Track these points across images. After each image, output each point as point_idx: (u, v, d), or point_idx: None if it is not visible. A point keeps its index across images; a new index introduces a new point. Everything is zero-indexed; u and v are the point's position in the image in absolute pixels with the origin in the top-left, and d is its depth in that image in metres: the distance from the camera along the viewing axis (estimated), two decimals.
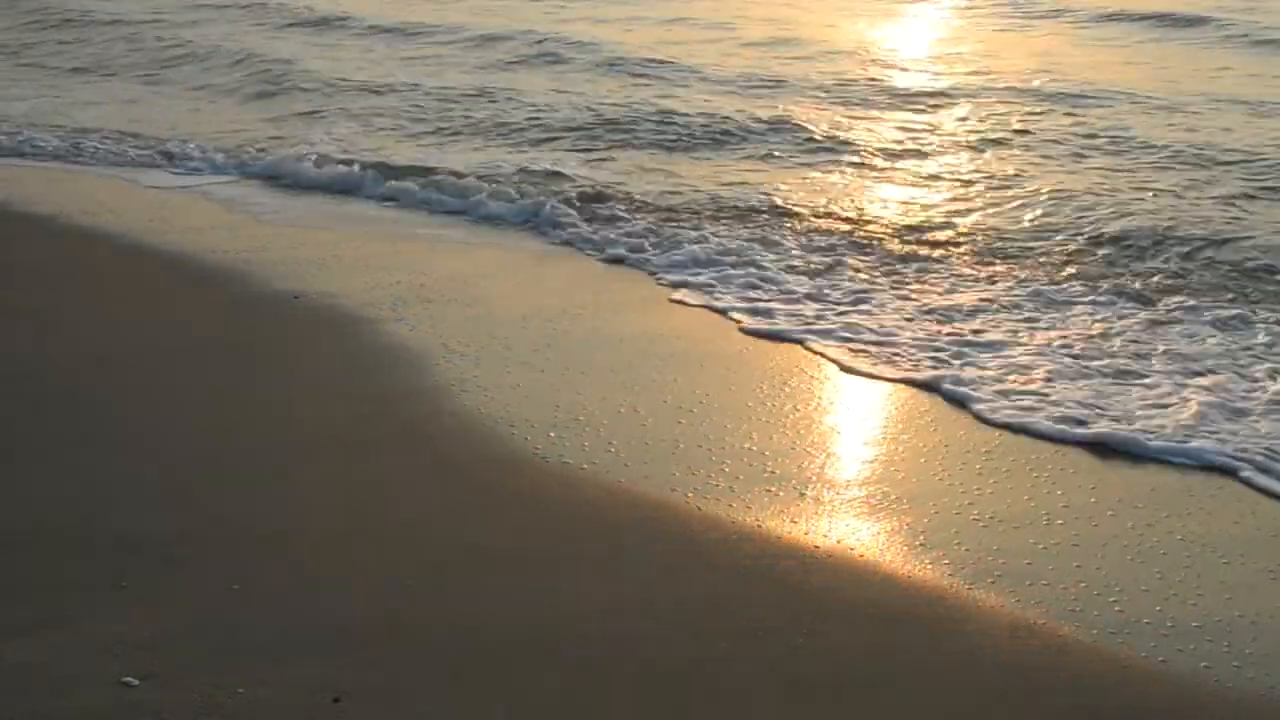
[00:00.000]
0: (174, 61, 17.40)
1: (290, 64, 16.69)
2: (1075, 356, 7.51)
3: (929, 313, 8.26)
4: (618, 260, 9.42)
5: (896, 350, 7.60)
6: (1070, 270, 9.13)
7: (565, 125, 13.56)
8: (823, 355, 7.58)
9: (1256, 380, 7.16)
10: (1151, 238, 9.66)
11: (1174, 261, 9.24)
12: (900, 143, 12.86)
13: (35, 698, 4.30)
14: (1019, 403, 6.86)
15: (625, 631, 4.83)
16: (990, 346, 7.67)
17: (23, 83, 16.37)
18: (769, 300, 8.50)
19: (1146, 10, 19.97)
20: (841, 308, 8.35)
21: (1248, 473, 6.09)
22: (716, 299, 8.55)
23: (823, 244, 9.68)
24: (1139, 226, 9.91)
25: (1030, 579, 5.22)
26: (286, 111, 14.48)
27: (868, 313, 8.26)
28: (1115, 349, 7.64)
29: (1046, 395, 6.95)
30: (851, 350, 7.62)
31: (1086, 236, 9.80)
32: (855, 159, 12.25)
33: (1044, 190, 10.96)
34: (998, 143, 12.78)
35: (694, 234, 9.82)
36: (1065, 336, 7.83)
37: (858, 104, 14.48)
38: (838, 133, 13.11)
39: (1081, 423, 6.60)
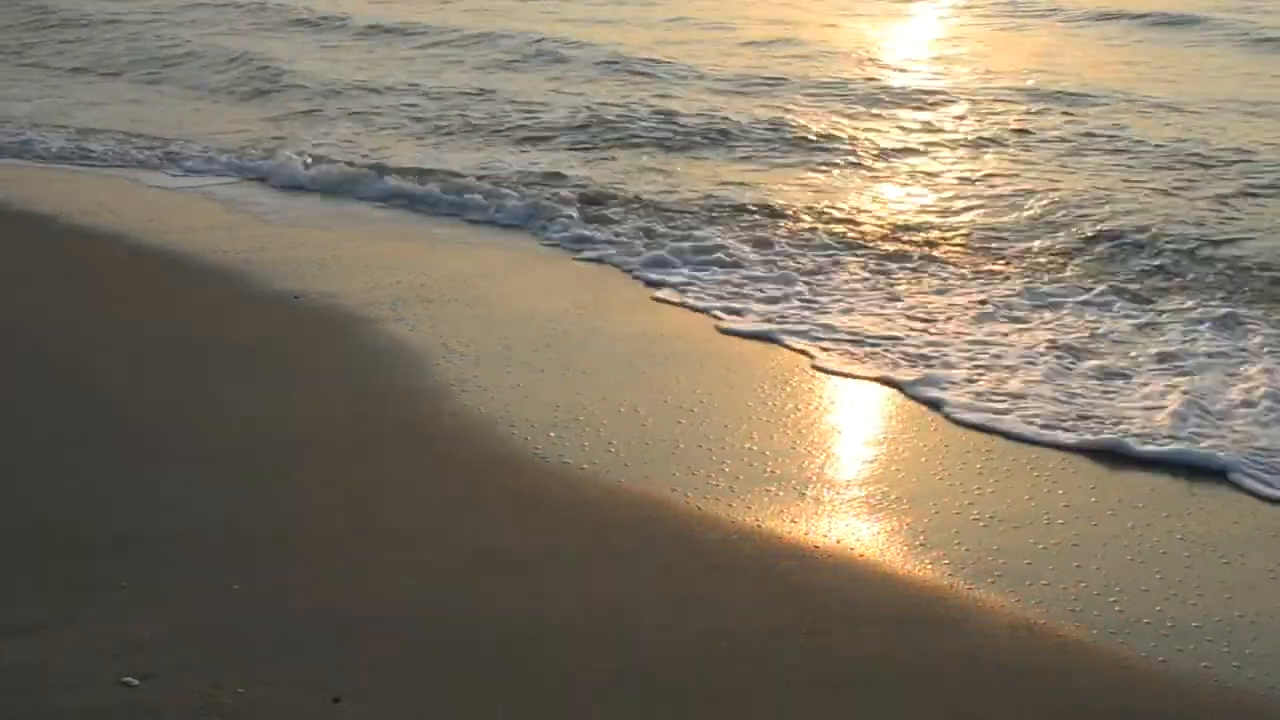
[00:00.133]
0: (175, 61, 17.41)
1: (290, 64, 16.71)
2: (1069, 357, 7.51)
3: (927, 313, 8.26)
4: (617, 260, 9.41)
5: (895, 351, 7.59)
6: (1063, 270, 9.16)
7: (564, 125, 13.57)
8: (822, 356, 7.57)
9: (1249, 380, 7.14)
10: (1146, 237, 9.67)
11: (1168, 261, 9.26)
12: (896, 142, 12.88)
13: (35, 698, 4.30)
14: (1017, 405, 6.85)
15: (625, 631, 4.83)
16: (987, 347, 7.66)
17: (24, 83, 16.38)
18: (769, 301, 8.50)
19: (1144, 10, 19.99)
20: (840, 309, 8.35)
21: (1236, 475, 6.08)
22: (717, 299, 8.55)
23: (821, 245, 9.69)
24: (1134, 226, 9.93)
25: (1030, 579, 5.22)
26: (286, 112, 14.50)
27: (866, 314, 8.26)
28: (1108, 349, 7.64)
29: (1043, 396, 6.95)
30: (850, 351, 7.61)
31: (1081, 236, 9.82)
32: (853, 159, 12.27)
33: (1039, 190, 10.97)
34: (994, 142, 12.80)
35: (693, 234, 9.83)
36: (1059, 337, 7.83)
37: (855, 104, 14.50)
38: (836, 132, 13.13)
39: (1072, 425, 6.58)
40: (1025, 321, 8.11)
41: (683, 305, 8.50)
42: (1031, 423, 6.62)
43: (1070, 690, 4.56)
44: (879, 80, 15.79)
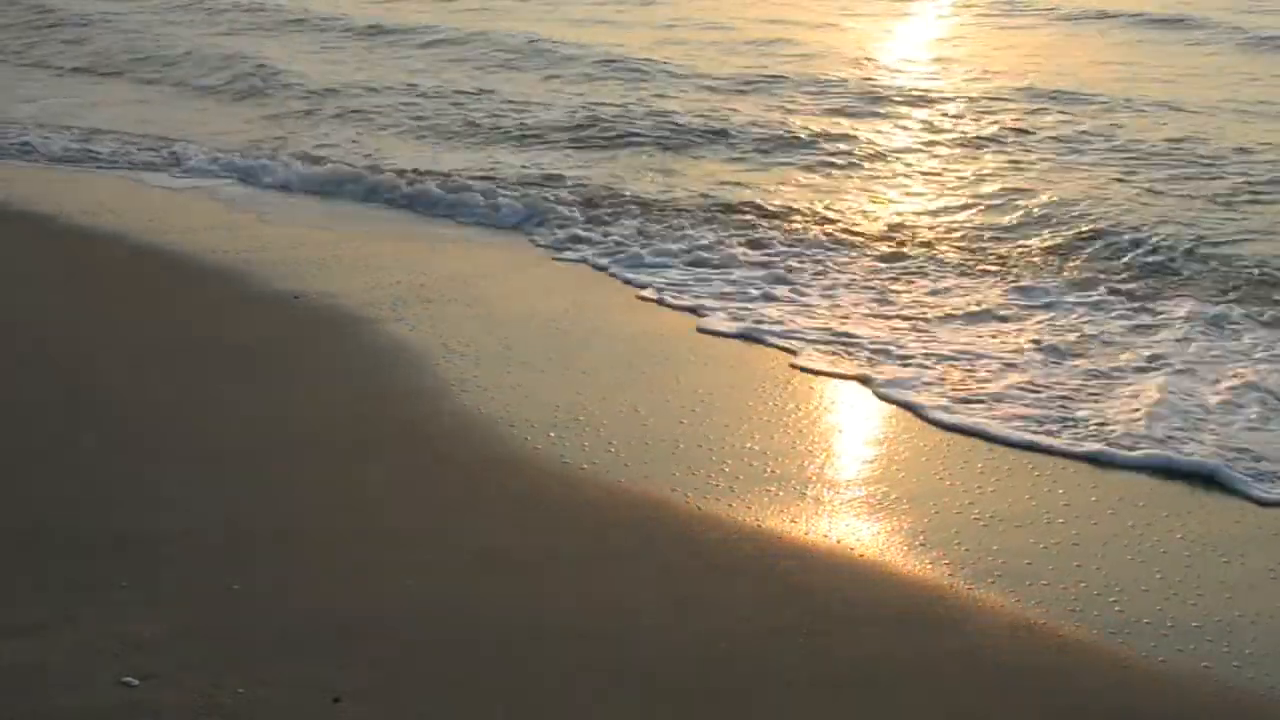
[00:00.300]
0: (175, 62, 17.40)
1: (289, 64, 16.70)
2: (1065, 357, 7.51)
3: (926, 314, 8.26)
4: (616, 261, 9.41)
5: (895, 352, 7.59)
6: (1059, 269, 9.16)
7: (563, 125, 13.56)
8: (822, 357, 7.57)
9: (1240, 381, 7.14)
10: (1142, 237, 9.67)
11: (1164, 260, 9.25)
12: (893, 142, 12.90)
13: (35, 698, 4.30)
14: (1016, 405, 6.86)
15: (625, 631, 4.83)
16: (987, 348, 7.67)
17: (28, 83, 16.37)
18: (769, 302, 8.50)
19: (1142, 9, 20.00)
20: (841, 309, 8.36)
21: (1227, 477, 6.07)
22: (717, 300, 8.54)
23: (820, 245, 9.68)
24: (1130, 226, 9.93)
25: (1030, 579, 5.22)
26: (287, 112, 14.49)
27: (866, 314, 8.27)
28: (1102, 349, 7.65)
29: (1040, 396, 6.96)
30: (851, 352, 7.61)
31: (1078, 235, 9.81)
32: (853, 159, 12.26)
33: (1036, 189, 10.99)
34: (991, 142, 12.80)
35: (693, 235, 9.84)
36: (1054, 337, 7.83)
37: (853, 104, 14.50)
38: (835, 132, 13.13)
39: (1071, 426, 6.58)
40: (1022, 321, 8.12)
41: (683, 306, 8.49)
42: (1025, 424, 6.61)
43: (1070, 690, 4.57)
44: (876, 80, 15.79)
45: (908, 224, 10.24)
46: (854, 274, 9.06)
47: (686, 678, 4.56)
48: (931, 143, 12.88)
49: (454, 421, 6.63)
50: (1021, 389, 7.05)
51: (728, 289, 8.73)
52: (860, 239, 9.83)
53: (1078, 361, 7.46)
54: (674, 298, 8.61)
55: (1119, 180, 11.33)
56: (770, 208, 10.64)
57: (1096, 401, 6.90)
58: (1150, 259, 9.29)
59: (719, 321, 8.13)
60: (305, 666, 4.51)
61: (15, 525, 5.45)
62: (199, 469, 6.04)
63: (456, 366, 7.31)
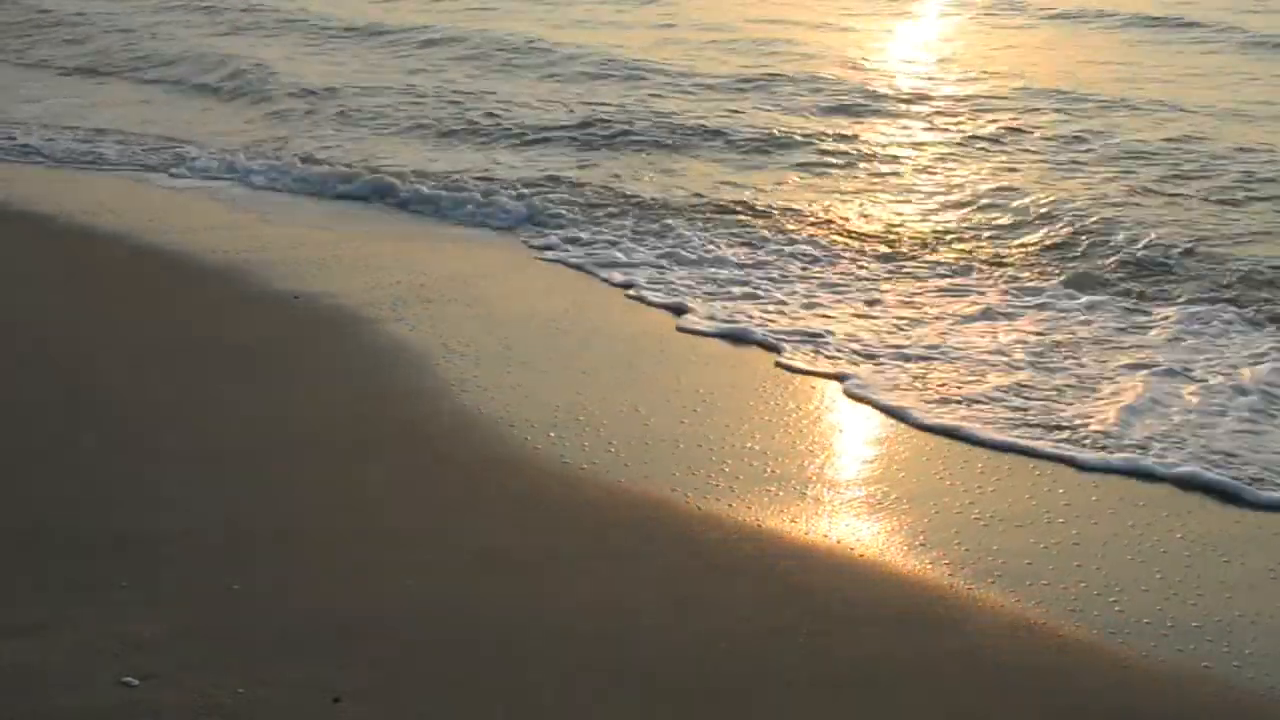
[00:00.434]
0: (175, 62, 17.39)
1: (290, 66, 16.69)
2: (1060, 357, 7.52)
3: (924, 314, 8.27)
4: (616, 261, 9.41)
5: (894, 352, 7.60)
6: (1055, 269, 9.15)
7: (562, 126, 13.56)
8: (822, 357, 7.57)
9: (1240, 381, 7.13)
10: (1138, 237, 9.66)
11: (1159, 261, 9.25)
12: (891, 142, 12.90)
13: (35, 698, 4.30)
14: (1016, 405, 6.86)
15: (625, 631, 4.83)
16: (986, 348, 7.67)
17: (30, 84, 16.36)
18: (768, 303, 8.50)
19: (1140, 9, 20.00)
20: (841, 310, 8.36)
21: (1226, 474, 6.07)
22: (717, 300, 8.55)
23: (819, 245, 9.69)
24: (1125, 226, 9.93)
25: (1030, 579, 5.22)
26: (286, 112, 14.48)
27: (866, 315, 8.28)
28: (1097, 349, 7.64)
29: (1039, 395, 6.96)
30: (851, 353, 7.62)
31: (1074, 235, 9.80)
32: (850, 159, 12.25)
33: (1033, 190, 10.98)
34: (988, 142, 12.79)
35: (692, 235, 9.84)
36: (1050, 336, 7.84)
37: (852, 104, 14.48)
38: (833, 132, 13.13)
39: (1062, 429, 6.58)
40: (1019, 321, 8.12)
41: (683, 306, 8.49)
42: (1025, 425, 6.62)
43: (1070, 690, 4.57)
44: (875, 80, 15.77)
45: (907, 224, 10.24)
46: (854, 274, 9.07)
47: (686, 678, 4.56)
48: (930, 142, 12.88)
49: (454, 421, 6.63)
50: (1022, 389, 7.06)
51: (728, 289, 8.73)
52: (860, 239, 9.84)
53: (1075, 362, 7.45)
54: (674, 298, 8.60)
55: (1115, 180, 11.32)
56: (767, 208, 10.64)
57: (1096, 402, 6.91)
58: (1147, 259, 9.29)
59: (719, 322, 8.13)
60: (305, 666, 4.51)
61: (15, 525, 5.45)
62: (199, 469, 6.04)
63: (456, 366, 7.31)
